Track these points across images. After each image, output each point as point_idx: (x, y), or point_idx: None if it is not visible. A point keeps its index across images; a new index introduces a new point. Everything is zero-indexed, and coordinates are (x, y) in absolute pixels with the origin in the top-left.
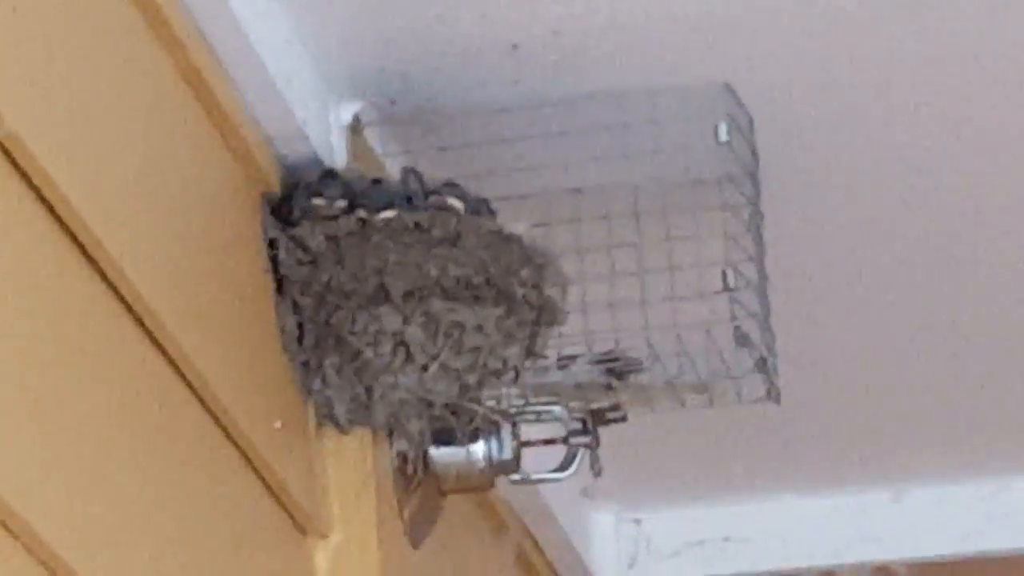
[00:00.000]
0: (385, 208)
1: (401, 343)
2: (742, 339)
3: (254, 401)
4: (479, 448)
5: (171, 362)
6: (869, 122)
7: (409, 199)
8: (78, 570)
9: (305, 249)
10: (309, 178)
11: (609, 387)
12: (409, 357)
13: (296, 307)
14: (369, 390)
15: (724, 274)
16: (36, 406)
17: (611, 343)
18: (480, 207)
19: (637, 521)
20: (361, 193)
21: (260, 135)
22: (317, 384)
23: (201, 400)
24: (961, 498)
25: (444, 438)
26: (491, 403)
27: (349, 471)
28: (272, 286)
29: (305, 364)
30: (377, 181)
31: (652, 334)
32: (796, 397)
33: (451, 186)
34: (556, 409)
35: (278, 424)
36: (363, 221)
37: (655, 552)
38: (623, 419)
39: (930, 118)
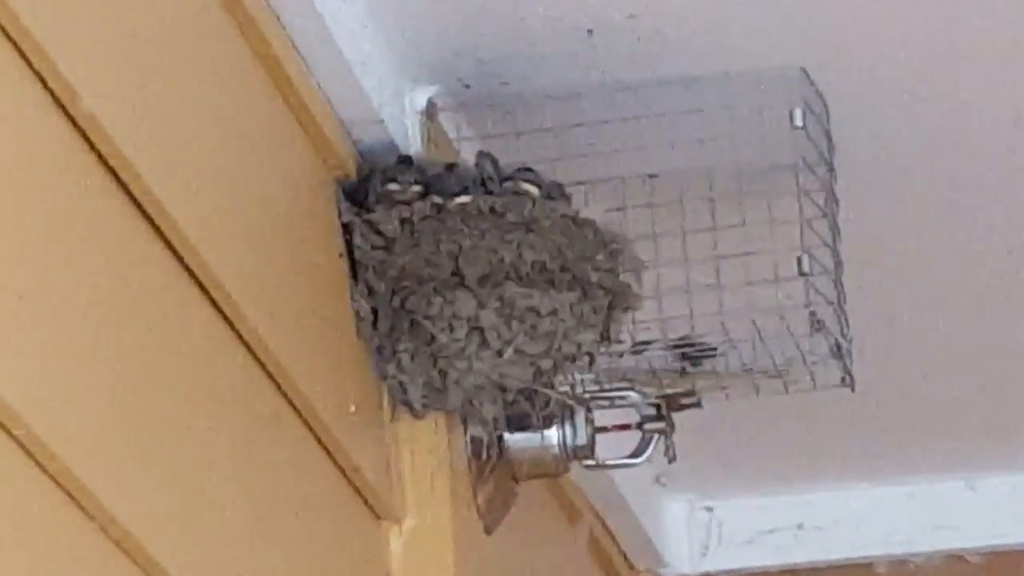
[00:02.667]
0: (460, 193)
1: (476, 328)
2: (817, 325)
3: (328, 386)
4: (553, 433)
5: (247, 346)
6: (945, 107)
7: (484, 184)
8: (154, 553)
9: (380, 234)
10: (384, 163)
11: (683, 372)
12: (484, 342)
13: (371, 292)
14: (444, 375)
15: (799, 260)
16: (113, 384)
17: (686, 328)
18: (555, 192)
19: (710, 508)
20: (436, 178)
21: (335, 120)
22: (391, 369)
23: (276, 384)
24: None
25: (518, 423)
26: (565, 388)
27: (423, 456)
28: (347, 271)
29: (379, 349)
30: (452, 166)
31: (727, 320)
32: (871, 384)
33: (526, 171)
34: (630, 395)
35: (352, 409)
36: (438, 206)
37: (728, 540)
38: (697, 405)
39: (1009, 102)
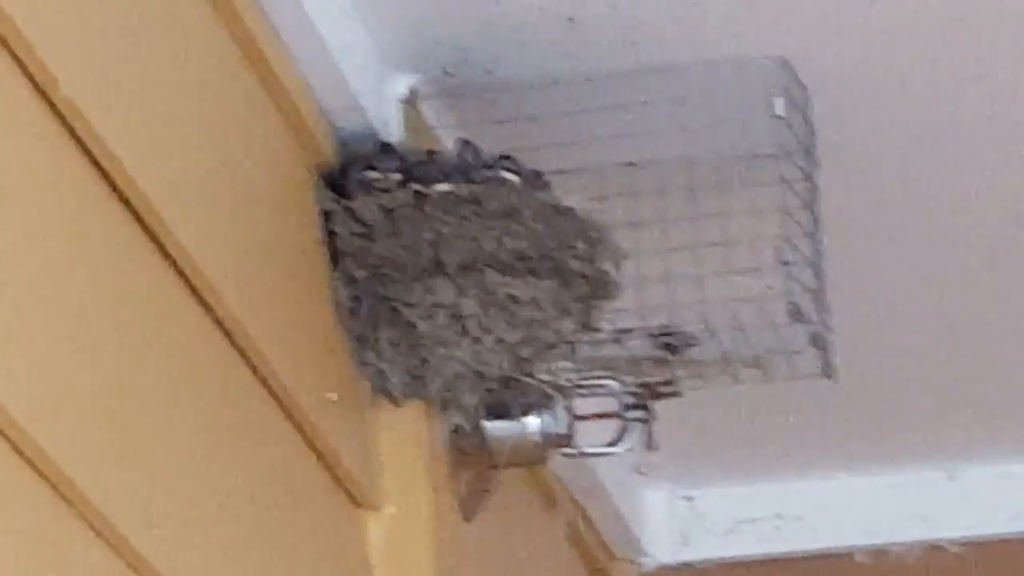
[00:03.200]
0: (440, 181)
1: (456, 316)
2: (797, 314)
3: (309, 374)
4: (533, 422)
5: (226, 334)
6: (926, 96)
7: (464, 172)
8: (132, 540)
9: (360, 222)
10: (364, 150)
11: (663, 361)
12: (464, 330)
13: (351, 280)
14: (424, 363)
15: (780, 249)
16: (89, 369)
17: (666, 317)
18: (535, 180)
19: (690, 498)
20: (416, 166)
21: (315, 107)
22: (371, 357)
23: (256, 373)
24: (1016, 476)
25: (498, 411)
26: (545, 376)
27: (403, 444)
28: (327, 258)
29: (360, 337)
30: (432, 153)
31: (707, 309)
32: (851, 373)
33: (506, 159)
34: (610, 383)
35: (333, 396)
36: (418, 194)
37: (707, 529)
38: (677, 394)
39: (989, 92)
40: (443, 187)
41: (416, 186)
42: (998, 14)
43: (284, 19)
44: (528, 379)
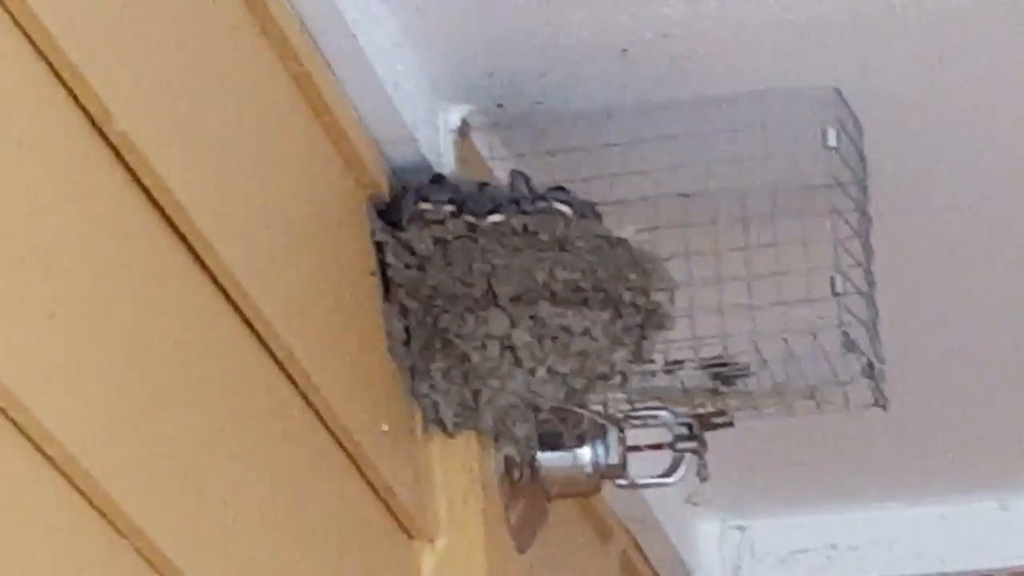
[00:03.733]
0: (493, 212)
1: (508, 347)
2: (850, 345)
3: (361, 404)
4: (586, 452)
5: (279, 364)
6: (979, 127)
7: (517, 203)
8: (184, 570)
9: (413, 252)
10: (417, 182)
11: (716, 392)
12: (516, 361)
13: (403, 310)
14: (476, 394)
15: (832, 279)
16: (147, 403)
17: (718, 348)
18: (587, 211)
19: (742, 528)
20: (469, 197)
21: (368, 139)
22: (424, 387)
23: (309, 403)
24: None
25: (551, 442)
26: (598, 407)
27: (456, 475)
28: (380, 289)
29: (412, 367)
30: (484, 185)
31: (759, 339)
32: (903, 404)
33: (558, 190)
34: (663, 414)
35: (385, 427)
36: (471, 225)
37: (760, 559)
38: (730, 424)
39: None
40: (496, 218)
41: (469, 217)
42: None
43: (337, 51)
44: (581, 410)
